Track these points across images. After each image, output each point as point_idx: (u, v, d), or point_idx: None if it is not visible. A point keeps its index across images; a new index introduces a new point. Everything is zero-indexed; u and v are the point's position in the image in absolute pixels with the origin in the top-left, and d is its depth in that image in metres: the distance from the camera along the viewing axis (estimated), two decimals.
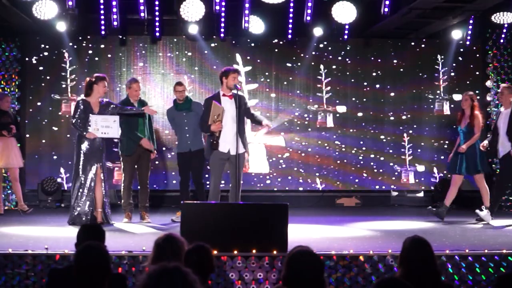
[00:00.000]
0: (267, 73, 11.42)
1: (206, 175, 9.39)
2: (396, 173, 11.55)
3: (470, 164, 8.91)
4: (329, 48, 11.43)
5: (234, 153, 7.65)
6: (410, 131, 11.59)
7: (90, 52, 11.14)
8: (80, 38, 11.03)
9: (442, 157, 11.41)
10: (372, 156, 11.52)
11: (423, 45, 11.65)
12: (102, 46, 11.14)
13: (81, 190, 8.25)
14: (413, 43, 11.66)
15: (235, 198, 7.64)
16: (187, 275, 2.51)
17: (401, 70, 11.60)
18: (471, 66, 11.68)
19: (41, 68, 11.07)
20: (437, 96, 11.64)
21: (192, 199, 8.69)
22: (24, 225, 8.31)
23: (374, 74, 11.54)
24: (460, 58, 11.58)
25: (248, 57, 11.37)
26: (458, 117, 9.29)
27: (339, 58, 11.47)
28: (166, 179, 11.21)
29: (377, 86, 11.54)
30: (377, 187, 11.57)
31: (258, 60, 11.39)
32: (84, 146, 8.31)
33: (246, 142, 7.94)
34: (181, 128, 9.06)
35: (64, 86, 11.08)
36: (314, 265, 3.52)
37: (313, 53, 11.36)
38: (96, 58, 11.17)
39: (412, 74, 11.59)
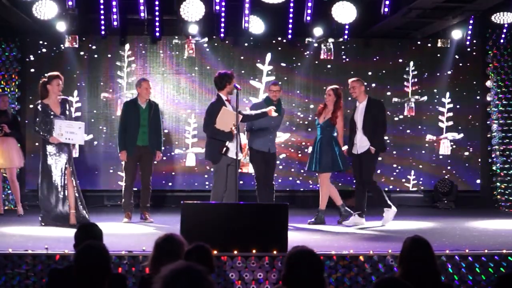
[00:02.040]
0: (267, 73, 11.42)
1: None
2: (394, 173, 11.54)
3: (325, 161, 8.70)
4: (329, 48, 11.42)
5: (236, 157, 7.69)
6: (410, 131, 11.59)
7: (90, 52, 11.13)
8: (80, 37, 11.02)
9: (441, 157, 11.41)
10: None
11: (423, 45, 11.63)
12: (102, 46, 11.14)
13: (53, 191, 8.16)
14: (414, 43, 11.64)
15: (234, 200, 7.61)
16: (205, 281, 2.47)
17: (401, 70, 11.59)
18: (471, 66, 11.68)
19: (41, 68, 11.05)
20: (437, 96, 11.64)
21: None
22: (24, 225, 8.32)
23: (374, 74, 11.53)
24: (460, 58, 11.57)
25: (248, 57, 11.37)
26: (319, 110, 9.04)
27: (339, 58, 11.47)
28: (165, 179, 11.20)
29: (377, 86, 11.51)
30: None
31: (258, 60, 11.38)
32: (50, 148, 8.15)
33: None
34: (268, 127, 8.87)
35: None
36: (314, 265, 3.51)
37: (312, 52, 11.37)
38: (96, 56, 11.17)
39: (412, 74, 11.57)
